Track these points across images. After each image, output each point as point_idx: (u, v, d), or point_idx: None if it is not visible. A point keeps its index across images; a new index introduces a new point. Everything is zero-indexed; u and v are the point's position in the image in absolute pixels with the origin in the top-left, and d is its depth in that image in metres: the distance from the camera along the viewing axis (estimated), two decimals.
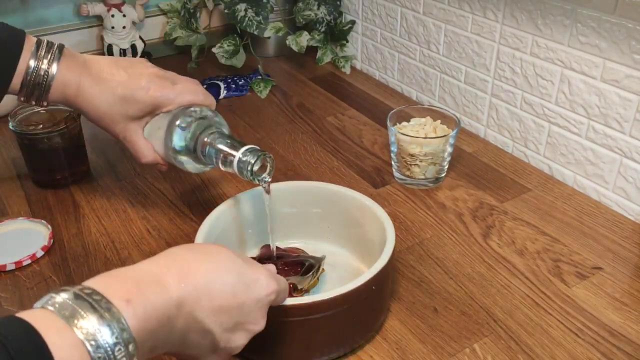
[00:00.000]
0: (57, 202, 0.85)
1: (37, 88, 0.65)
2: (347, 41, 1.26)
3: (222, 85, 1.14)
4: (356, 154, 0.96)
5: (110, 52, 1.20)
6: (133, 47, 1.22)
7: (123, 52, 1.21)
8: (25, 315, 0.34)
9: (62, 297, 0.35)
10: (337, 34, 1.24)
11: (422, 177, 0.86)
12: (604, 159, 0.82)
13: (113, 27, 1.19)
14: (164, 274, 0.41)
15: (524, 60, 0.89)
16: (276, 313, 0.54)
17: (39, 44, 0.65)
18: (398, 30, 1.13)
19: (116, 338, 0.34)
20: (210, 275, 0.43)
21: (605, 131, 0.81)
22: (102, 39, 1.22)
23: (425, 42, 1.07)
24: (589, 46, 0.79)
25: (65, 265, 0.73)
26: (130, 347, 0.35)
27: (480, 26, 0.94)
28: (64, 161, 0.87)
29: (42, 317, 0.34)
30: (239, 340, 0.46)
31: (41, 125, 0.84)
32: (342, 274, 0.68)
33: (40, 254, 0.73)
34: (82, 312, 0.34)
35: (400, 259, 0.73)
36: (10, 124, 0.84)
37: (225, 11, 1.14)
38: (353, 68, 1.26)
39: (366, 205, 0.67)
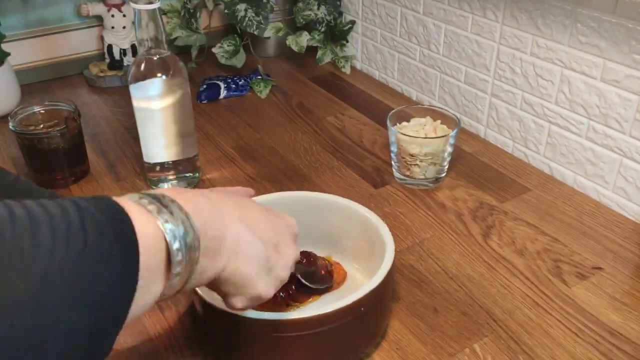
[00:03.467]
0: None
1: None
2: (347, 41, 1.26)
3: (222, 85, 1.14)
4: (356, 154, 0.96)
5: (110, 52, 1.21)
6: (133, 47, 1.22)
7: (123, 52, 1.21)
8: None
9: (135, 196, 0.38)
10: (337, 34, 1.24)
11: (422, 177, 0.86)
12: (604, 159, 0.82)
13: (113, 27, 1.19)
14: (206, 193, 0.45)
15: (524, 60, 0.89)
16: (274, 328, 0.54)
17: None
18: (398, 30, 1.13)
19: (186, 233, 0.37)
20: (246, 201, 0.50)
21: (605, 131, 0.81)
22: (102, 39, 1.22)
23: (425, 42, 1.07)
24: (589, 46, 0.79)
25: None
26: (192, 233, 0.38)
27: (480, 26, 0.94)
28: (64, 161, 0.87)
29: (127, 203, 0.36)
30: (285, 260, 0.49)
31: (41, 125, 0.84)
32: (343, 286, 0.68)
33: None
34: (158, 207, 0.37)
35: (400, 259, 0.73)
36: (10, 124, 0.84)
37: (225, 11, 1.14)
38: (353, 68, 1.26)
39: (368, 218, 0.65)
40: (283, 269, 0.49)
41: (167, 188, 0.41)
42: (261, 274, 0.46)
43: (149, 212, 0.36)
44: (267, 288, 0.47)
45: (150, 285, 0.36)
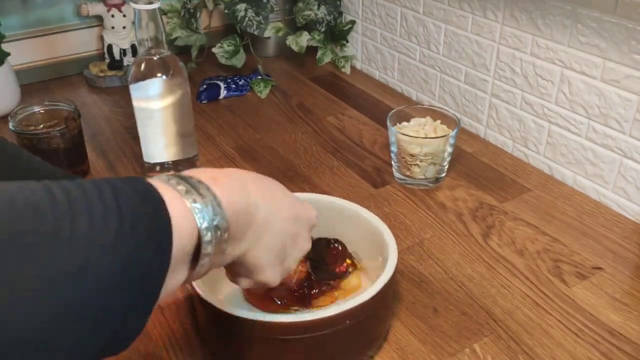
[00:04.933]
0: None
1: None
2: (347, 41, 1.26)
3: (222, 85, 1.14)
4: (356, 154, 0.96)
5: (110, 52, 1.20)
6: (133, 47, 1.22)
7: (123, 52, 1.21)
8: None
9: (163, 177, 0.37)
10: (337, 34, 1.24)
11: (422, 177, 0.86)
12: (604, 159, 0.82)
13: (113, 27, 1.19)
14: (244, 177, 0.44)
15: (524, 60, 0.89)
16: (275, 331, 0.53)
17: None
18: (398, 30, 1.13)
19: (215, 214, 0.37)
20: (274, 186, 0.49)
21: (605, 131, 0.81)
22: (102, 39, 1.22)
23: (425, 42, 1.07)
24: (589, 46, 0.79)
25: None
26: (224, 223, 0.38)
27: (480, 26, 0.94)
28: (64, 161, 0.87)
29: (158, 184, 0.36)
30: (297, 253, 0.50)
31: (41, 125, 0.84)
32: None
33: None
34: (187, 188, 0.37)
35: (400, 259, 0.73)
36: (10, 124, 0.84)
37: (225, 11, 1.14)
38: (353, 68, 1.26)
39: (372, 223, 0.65)
40: (294, 261, 0.50)
41: (195, 169, 0.41)
42: (274, 263, 0.47)
43: (178, 192, 0.36)
44: (275, 277, 0.48)
45: (178, 269, 0.36)
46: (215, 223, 0.37)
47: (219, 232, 0.37)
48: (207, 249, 0.37)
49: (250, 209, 0.42)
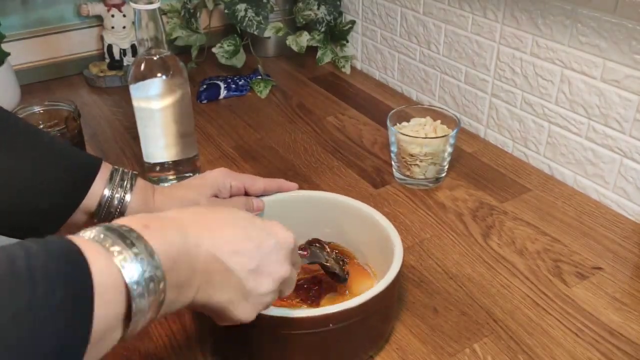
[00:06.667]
0: None
1: (109, 216, 0.62)
2: (347, 41, 1.26)
3: (222, 85, 1.14)
4: (356, 154, 0.96)
5: (110, 52, 1.20)
6: (133, 47, 1.22)
7: (123, 52, 1.21)
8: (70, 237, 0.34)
9: (95, 230, 0.36)
10: (337, 34, 1.24)
11: (422, 177, 0.86)
12: (604, 159, 0.82)
13: (113, 27, 1.19)
14: (182, 217, 0.42)
15: (524, 60, 0.89)
16: (279, 325, 0.53)
17: (113, 172, 0.63)
18: (398, 30, 1.13)
19: (147, 267, 0.35)
20: (226, 221, 0.45)
21: (605, 131, 0.81)
22: (102, 39, 1.22)
23: (425, 42, 1.07)
24: (589, 46, 0.79)
25: None
26: (158, 272, 0.36)
27: (480, 26, 0.94)
28: None
29: (86, 243, 0.34)
30: (266, 284, 0.45)
31: (41, 125, 0.84)
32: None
33: None
34: (117, 243, 0.35)
35: None
36: None
37: (225, 11, 1.14)
38: (353, 68, 1.26)
39: (378, 221, 0.65)
40: (264, 293, 0.46)
41: (129, 217, 0.38)
42: (238, 301, 0.44)
43: (109, 253, 0.34)
44: (247, 313, 0.45)
45: (107, 333, 0.33)
46: (147, 275, 0.35)
47: (151, 284, 0.35)
48: (140, 303, 0.34)
49: (189, 250, 0.40)
